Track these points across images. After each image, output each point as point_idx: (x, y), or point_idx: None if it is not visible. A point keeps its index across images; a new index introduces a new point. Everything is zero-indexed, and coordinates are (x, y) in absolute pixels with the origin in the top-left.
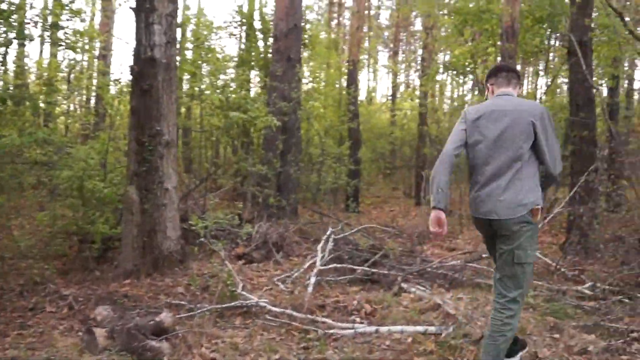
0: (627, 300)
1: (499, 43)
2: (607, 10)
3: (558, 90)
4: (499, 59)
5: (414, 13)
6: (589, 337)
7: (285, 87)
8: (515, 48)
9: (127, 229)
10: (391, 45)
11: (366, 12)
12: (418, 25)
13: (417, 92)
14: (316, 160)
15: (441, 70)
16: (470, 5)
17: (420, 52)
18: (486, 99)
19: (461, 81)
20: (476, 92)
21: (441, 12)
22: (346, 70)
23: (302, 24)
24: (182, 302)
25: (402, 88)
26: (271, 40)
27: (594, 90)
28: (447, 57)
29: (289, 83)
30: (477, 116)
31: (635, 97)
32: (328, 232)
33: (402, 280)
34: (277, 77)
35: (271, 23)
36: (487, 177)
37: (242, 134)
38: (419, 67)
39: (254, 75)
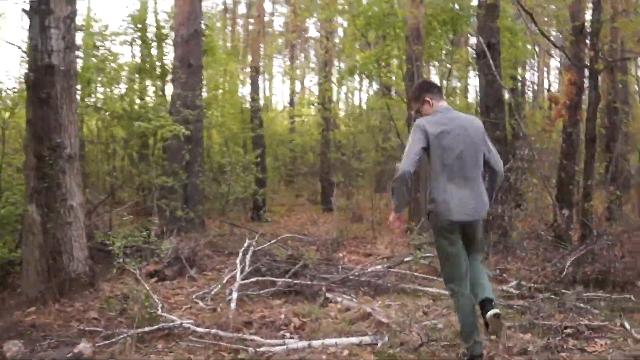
0: (553, 297)
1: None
2: (507, 14)
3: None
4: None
5: (312, 19)
6: (525, 336)
7: (189, 94)
8: (421, 51)
9: (29, 251)
10: (286, 52)
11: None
12: (313, 31)
13: (314, 98)
14: (223, 169)
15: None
16: (376, 9)
17: (314, 58)
18: (417, 112)
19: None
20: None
21: (340, 18)
22: (248, 77)
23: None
24: (98, 329)
25: (304, 94)
26: (166, 47)
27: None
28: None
29: (192, 90)
30: (439, 130)
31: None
32: (246, 244)
33: (327, 290)
34: (179, 84)
35: (165, 29)
36: (460, 185)
37: (141, 145)
38: (318, 73)
39: (150, 84)
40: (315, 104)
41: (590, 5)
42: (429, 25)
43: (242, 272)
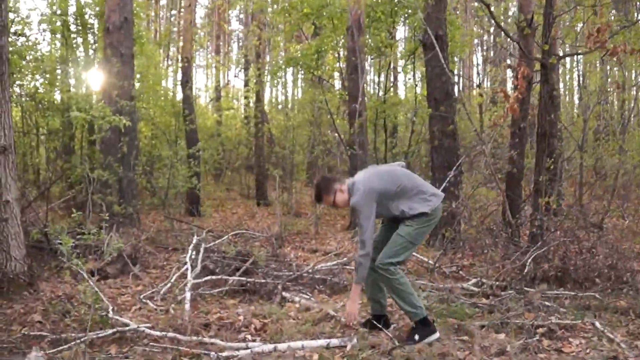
0: (517, 295)
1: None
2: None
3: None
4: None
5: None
6: (499, 336)
7: (125, 84)
8: (362, 43)
9: None
10: (208, 43)
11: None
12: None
13: (243, 91)
14: (160, 163)
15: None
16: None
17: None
18: (334, 204)
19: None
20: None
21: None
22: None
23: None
24: (44, 333)
25: (230, 87)
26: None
27: (455, 84)
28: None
29: (126, 80)
30: (382, 188)
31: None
32: (195, 240)
33: (282, 289)
34: (113, 73)
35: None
36: (427, 189)
37: (69, 136)
38: (251, 66)
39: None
40: (248, 98)
41: None
42: (370, 17)
43: (192, 270)
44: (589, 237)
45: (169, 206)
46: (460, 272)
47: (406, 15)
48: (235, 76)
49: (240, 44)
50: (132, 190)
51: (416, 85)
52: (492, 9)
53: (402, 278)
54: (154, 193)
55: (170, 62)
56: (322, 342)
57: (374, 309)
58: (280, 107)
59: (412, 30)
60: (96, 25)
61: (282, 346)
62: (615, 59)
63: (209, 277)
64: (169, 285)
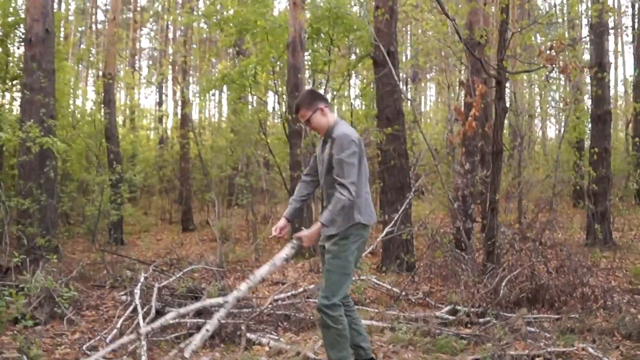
0: (495, 321)
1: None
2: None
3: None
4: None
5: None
6: None
7: (50, 101)
8: (302, 60)
9: None
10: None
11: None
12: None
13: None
14: (81, 188)
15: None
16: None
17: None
18: (307, 122)
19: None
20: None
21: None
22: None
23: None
24: None
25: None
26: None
27: (407, 102)
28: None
29: (49, 97)
30: (361, 143)
31: None
32: (142, 278)
33: (247, 330)
34: (36, 89)
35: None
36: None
37: None
38: (178, 84)
39: None
40: (163, 118)
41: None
42: (310, 34)
43: (144, 313)
44: (557, 256)
45: (98, 236)
46: (427, 299)
47: (346, 31)
48: (148, 93)
49: (150, 62)
50: (54, 220)
51: (351, 104)
52: (439, 25)
53: (344, 330)
54: (80, 222)
55: (90, 79)
56: None
57: (357, 355)
58: (205, 128)
59: (348, 47)
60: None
61: None
62: (565, 75)
63: (163, 320)
64: (114, 332)
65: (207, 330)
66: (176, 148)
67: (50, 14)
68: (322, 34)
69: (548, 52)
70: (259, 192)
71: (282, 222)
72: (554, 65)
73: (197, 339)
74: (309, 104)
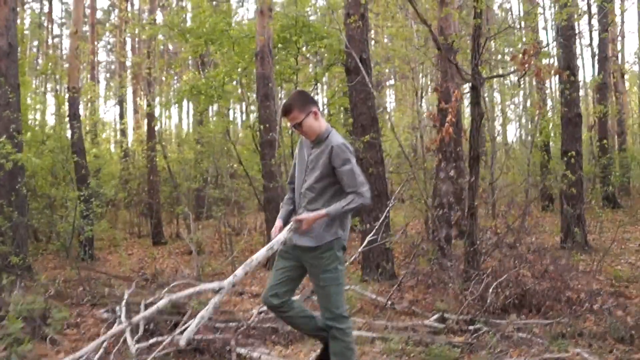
0: (485, 328)
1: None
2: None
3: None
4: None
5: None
6: None
7: (14, 117)
8: (271, 70)
9: None
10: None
11: None
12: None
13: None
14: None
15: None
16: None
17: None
18: (297, 126)
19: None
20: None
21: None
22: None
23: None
24: None
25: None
26: None
27: (380, 109)
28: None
29: (18, 112)
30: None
31: None
32: (126, 295)
33: (237, 345)
34: (2, 105)
35: None
36: None
37: None
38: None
39: None
40: (125, 130)
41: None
42: (277, 42)
43: (132, 332)
44: (540, 261)
45: (74, 253)
46: (413, 307)
47: (314, 39)
48: (109, 107)
49: (108, 75)
50: (24, 238)
51: (321, 111)
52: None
53: (352, 343)
54: (49, 239)
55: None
56: None
57: (322, 338)
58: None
59: (315, 55)
60: None
61: None
62: (538, 79)
63: (152, 340)
64: (100, 352)
65: (203, 317)
66: (142, 161)
67: (13, 28)
68: (288, 43)
69: (521, 56)
70: (227, 203)
71: (278, 225)
72: (526, 70)
73: (193, 325)
74: (301, 107)
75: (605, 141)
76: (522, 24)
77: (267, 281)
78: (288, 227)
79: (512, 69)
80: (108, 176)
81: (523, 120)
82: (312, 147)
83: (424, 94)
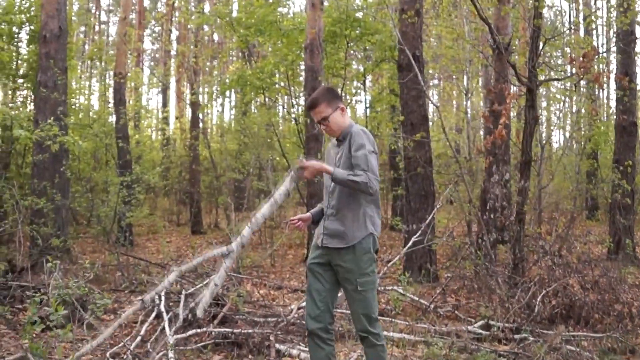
0: (531, 338)
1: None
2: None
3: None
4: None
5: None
6: None
7: (61, 99)
8: (320, 63)
9: None
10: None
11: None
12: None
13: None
14: (99, 188)
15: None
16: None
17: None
18: (323, 121)
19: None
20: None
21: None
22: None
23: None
24: None
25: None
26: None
27: (435, 108)
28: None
29: (65, 95)
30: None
31: None
32: (166, 283)
33: (276, 341)
34: (50, 87)
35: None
36: None
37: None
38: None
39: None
40: (167, 118)
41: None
42: (327, 36)
43: (170, 322)
44: (592, 271)
45: (114, 238)
46: (456, 312)
47: (364, 35)
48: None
49: (152, 63)
50: (66, 221)
51: (367, 108)
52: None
53: (385, 345)
54: (88, 222)
55: (101, 78)
56: None
57: None
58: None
59: (365, 51)
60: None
61: None
62: (597, 84)
63: (193, 332)
64: (138, 339)
65: (216, 285)
66: (182, 150)
67: (63, 11)
68: (337, 37)
69: (581, 59)
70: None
71: (306, 215)
72: (585, 74)
73: (207, 295)
74: (329, 101)
75: None
76: (580, 26)
77: (306, 305)
78: (291, 174)
79: (569, 73)
80: (149, 163)
81: (568, 127)
82: (338, 146)
83: (469, 95)
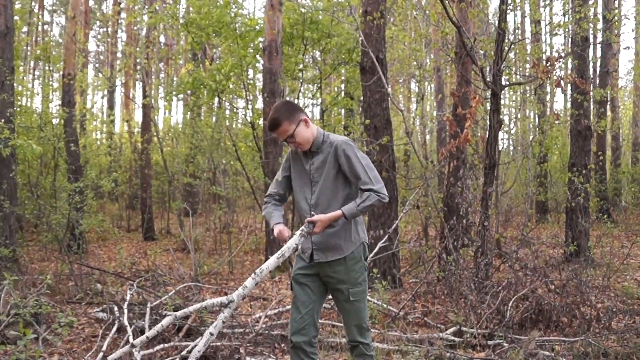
0: (505, 344)
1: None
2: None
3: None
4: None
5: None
6: None
7: (10, 100)
8: (279, 65)
9: None
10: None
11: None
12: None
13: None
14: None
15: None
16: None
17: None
18: (290, 138)
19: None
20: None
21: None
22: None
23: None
24: None
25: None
26: None
27: (400, 111)
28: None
29: (10, 97)
30: None
31: None
32: (128, 295)
33: (246, 354)
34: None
35: None
36: None
37: None
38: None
39: None
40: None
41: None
42: (284, 38)
43: (134, 335)
44: (560, 275)
45: (64, 246)
46: (426, 318)
47: (322, 37)
48: (108, 99)
49: (97, 65)
50: (14, 229)
51: (324, 110)
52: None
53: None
54: (34, 230)
55: (44, 79)
56: None
57: None
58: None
59: (323, 53)
60: None
61: None
62: (559, 87)
63: (159, 327)
64: (100, 355)
65: (212, 334)
66: (130, 154)
67: (9, 9)
68: (294, 39)
69: (544, 64)
70: (215, 200)
71: (280, 227)
72: (548, 78)
73: (201, 345)
74: (290, 117)
75: (601, 156)
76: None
77: (290, 317)
78: (300, 230)
79: (535, 77)
80: (96, 167)
81: (513, 131)
82: (312, 157)
83: (419, 100)
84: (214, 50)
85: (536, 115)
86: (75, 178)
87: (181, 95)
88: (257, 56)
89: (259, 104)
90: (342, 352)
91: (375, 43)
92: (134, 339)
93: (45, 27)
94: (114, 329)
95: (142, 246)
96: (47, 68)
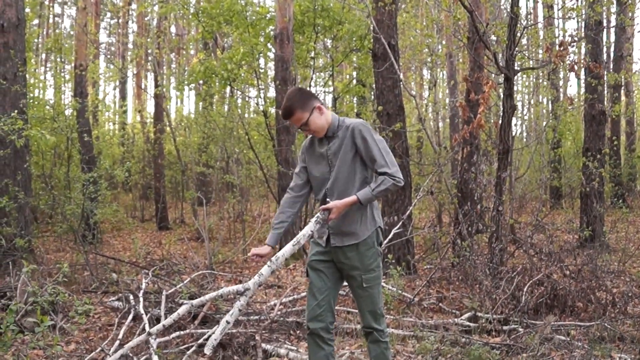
0: (521, 329)
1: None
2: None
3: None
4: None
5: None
6: None
7: (22, 92)
8: (291, 53)
9: None
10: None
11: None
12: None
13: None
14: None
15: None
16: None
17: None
18: (304, 126)
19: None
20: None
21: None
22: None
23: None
24: None
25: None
26: None
27: (413, 97)
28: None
29: (22, 88)
30: None
31: None
32: (144, 284)
33: (262, 340)
34: (9, 79)
35: None
36: None
37: None
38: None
39: None
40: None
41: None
42: (296, 25)
43: (151, 325)
44: (575, 260)
45: (79, 236)
46: (440, 304)
47: (333, 24)
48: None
49: (108, 56)
50: (29, 219)
51: (336, 98)
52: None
53: (388, 347)
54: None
55: (56, 71)
56: None
57: None
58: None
59: (334, 40)
60: None
61: None
62: (573, 72)
63: (175, 315)
64: (116, 344)
65: (228, 322)
66: (142, 144)
67: (20, 0)
68: (305, 27)
69: (558, 48)
70: (236, 189)
71: (264, 249)
72: (562, 62)
73: (217, 333)
74: (303, 105)
75: (615, 141)
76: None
77: (307, 304)
78: (315, 217)
79: (549, 62)
80: (109, 158)
81: (526, 116)
82: (328, 142)
83: (431, 87)
84: (225, 39)
85: (549, 101)
86: (89, 168)
87: (193, 85)
88: (269, 44)
89: (271, 92)
90: (358, 339)
91: (387, 29)
92: (150, 327)
93: (57, 19)
94: (130, 317)
95: (157, 236)
96: (58, 60)
